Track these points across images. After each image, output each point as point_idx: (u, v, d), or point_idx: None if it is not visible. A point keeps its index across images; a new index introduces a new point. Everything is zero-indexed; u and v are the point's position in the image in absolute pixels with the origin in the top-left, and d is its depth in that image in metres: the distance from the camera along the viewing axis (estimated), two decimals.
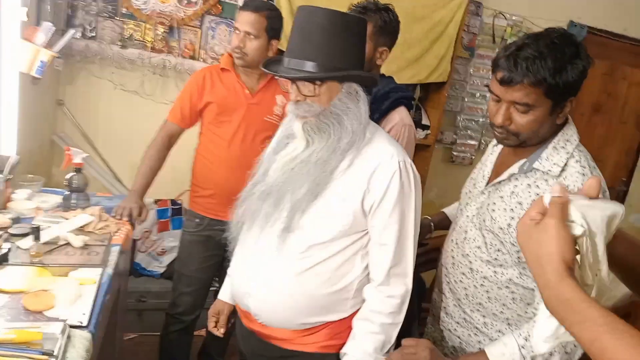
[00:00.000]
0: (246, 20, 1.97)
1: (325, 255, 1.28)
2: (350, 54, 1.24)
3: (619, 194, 4.31)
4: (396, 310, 1.31)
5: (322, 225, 1.27)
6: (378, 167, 1.25)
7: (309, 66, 1.19)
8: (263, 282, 1.32)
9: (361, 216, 1.27)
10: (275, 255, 1.29)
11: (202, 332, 2.56)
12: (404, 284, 1.31)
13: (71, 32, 2.30)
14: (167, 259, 2.87)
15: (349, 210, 1.26)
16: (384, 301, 1.30)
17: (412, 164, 1.30)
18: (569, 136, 1.26)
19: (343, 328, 1.34)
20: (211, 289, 2.37)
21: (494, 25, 3.46)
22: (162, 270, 2.86)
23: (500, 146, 1.44)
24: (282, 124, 1.41)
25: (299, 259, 1.28)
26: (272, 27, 2.02)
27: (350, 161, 1.26)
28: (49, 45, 2.14)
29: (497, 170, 1.40)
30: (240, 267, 1.39)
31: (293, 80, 1.23)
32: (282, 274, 1.30)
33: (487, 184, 1.41)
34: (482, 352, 1.23)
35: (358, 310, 1.34)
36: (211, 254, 2.18)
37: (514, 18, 3.51)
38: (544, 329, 0.72)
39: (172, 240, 2.86)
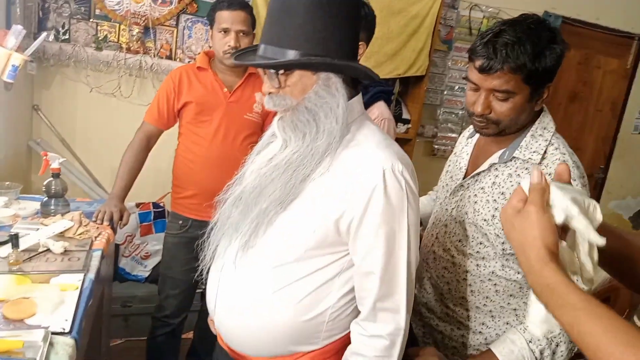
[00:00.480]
0: (238, 20, 1.97)
1: (293, 277, 1.10)
2: (334, 40, 1.04)
3: (597, 181, 4.40)
4: (384, 354, 1.08)
5: (288, 242, 1.09)
6: (358, 175, 1.04)
7: (283, 54, 1.03)
8: (224, 300, 1.18)
9: (335, 233, 1.07)
10: (235, 271, 1.15)
11: (190, 334, 2.54)
12: (394, 321, 1.08)
13: (43, 34, 2.25)
14: (152, 262, 2.83)
15: (320, 225, 1.06)
16: (367, 343, 1.08)
17: (406, 171, 1.06)
18: (546, 124, 1.27)
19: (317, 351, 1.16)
20: (198, 290, 2.35)
21: (471, 17, 3.50)
22: (146, 274, 2.82)
23: (476, 138, 1.43)
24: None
25: (261, 280, 1.12)
26: (253, 21, 2.06)
27: (326, 168, 1.07)
28: (20, 49, 2.09)
29: (475, 162, 1.39)
30: (212, 278, 1.24)
31: (256, 67, 1.14)
32: (241, 293, 1.15)
33: (465, 176, 1.40)
34: (488, 352, 1.21)
35: (332, 342, 1.15)
36: (196, 255, 2.17)
37: (489, 10, 3.55)
38: (535, 314, 0.74)
39: (155, 243, 2.83)
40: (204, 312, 2.34)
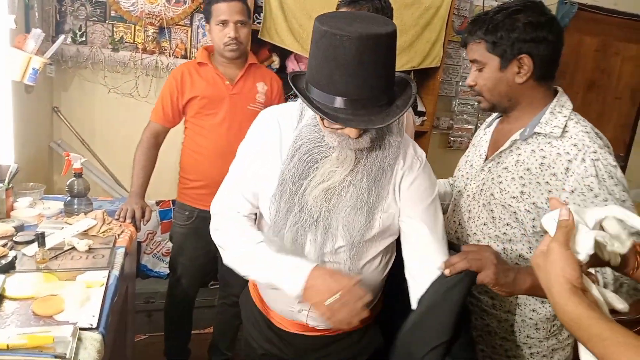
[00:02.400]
0: (235, 10, 1.99)
1: (372, 257, 1.28)
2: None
3: None
4: None
5: (363, 232, 1.22)
6: (406, 164, 1.23)
7: (376, 104, 1.05)
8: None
9: (392, 214, 1.25)
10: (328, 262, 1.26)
11: (210, 329, 2.58)
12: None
13: (61, 37, 2.29)
14: None
15: (392, 217, 1.25)
16: None
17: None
18: (563, 102, 1.30)
19: (376, 301, 1.38)
20: (214, 286, 2.40)
21: (484, 7, 3.46)
22: (168, 270, 2.87)
23: (493, 126, 1.47)
24: (302, 145, 1.21)
25: (351, 260, 1.25)
26: (249, 10, 2.08)
27: (392, 174, 1.22)
28: (39, 52, 2.13)
29: (494, 147, 1.41)
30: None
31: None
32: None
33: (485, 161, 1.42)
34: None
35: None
36: (203, 244, 2.21)
37: None
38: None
39: None
40: (222, 307, 2.39)
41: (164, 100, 2.13)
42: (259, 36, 2.77)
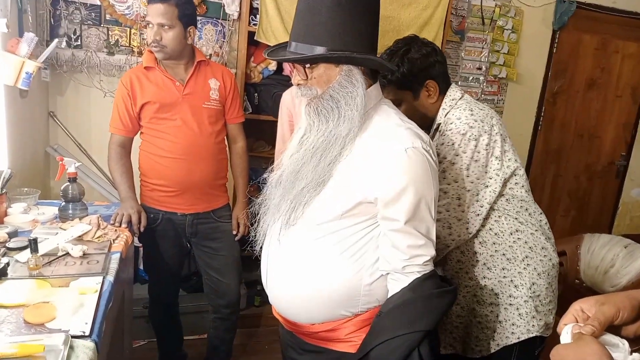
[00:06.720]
0: (157, 13, 1.92)
1: (330, 248, 1.22)
2: (354, 35, 1.15)
3: (619, 169, 4.29)
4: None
5: (322, 219, 1.21)
6: (381, 157, 1.15)
7: (311, 50, 1.15)
8: (273, 274, 1.32)
9: (364, 205, 1.18)
10: (279, 247, 1.29)
11: (204, 336, 2.56)
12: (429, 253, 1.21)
13: (55, 41, 2.28)
14: None
15: (350, 200, 1.18)
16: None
17: (425, 146, 1.16)
18: (453, 94, 1.52)
19: (359, 327, 1.26)
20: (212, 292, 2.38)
21: (482, 6, 3.44)
22: None
23: None
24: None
25: (304, 253, 1.25)
26: (185, 14, 1.98)
27: (350, 151, 1.19)
28: (33, 56, 2.11)
29: None
30: (263, 255, 1.37)
31: (285, 62, 1.25)
32: (287, 266, 1.28)
33: None
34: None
35: (369, 311, 1.25)
36: (173, 244, 2.21)
37: None
38: None
39: None
40: (214, 321, 2.37)
41: (119, 110, 2.07)
42: (255, 38, 2.75)
